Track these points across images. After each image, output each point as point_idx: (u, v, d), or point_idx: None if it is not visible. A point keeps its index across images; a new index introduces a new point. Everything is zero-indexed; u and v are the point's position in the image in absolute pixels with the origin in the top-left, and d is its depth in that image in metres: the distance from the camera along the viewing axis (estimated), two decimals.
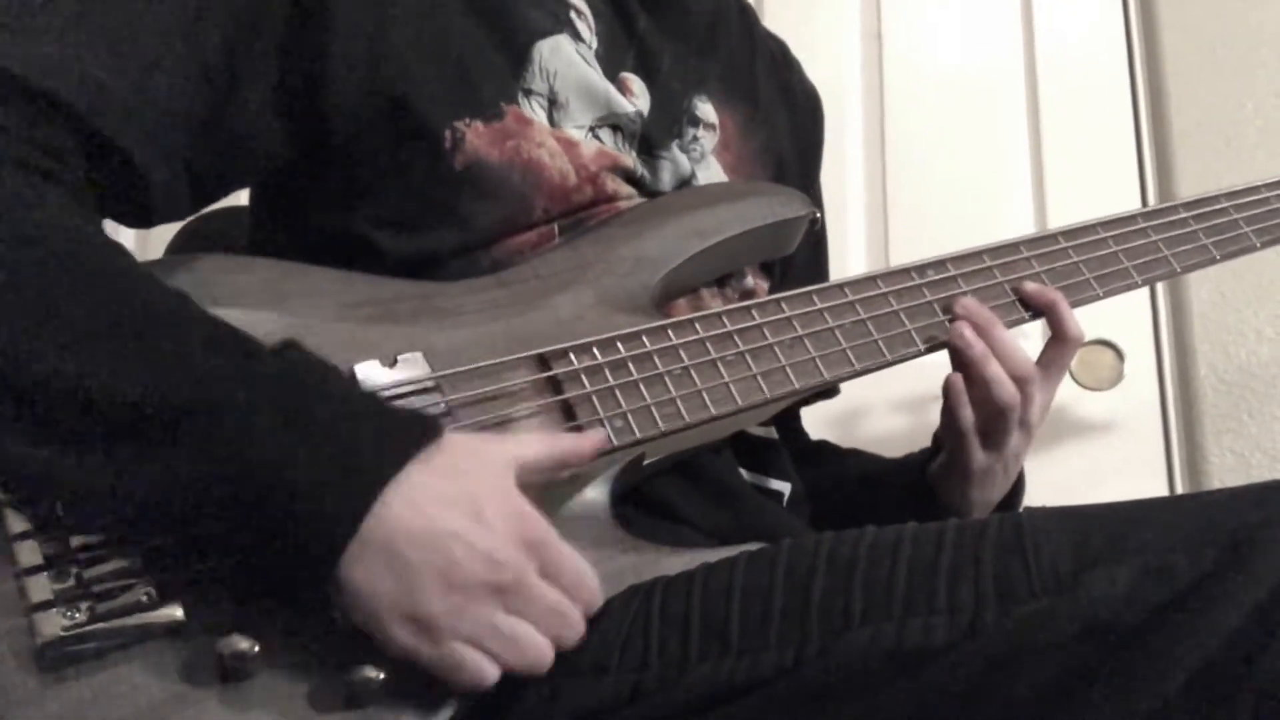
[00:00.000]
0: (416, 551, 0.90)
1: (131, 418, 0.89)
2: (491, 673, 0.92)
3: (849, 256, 2.26)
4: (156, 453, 0.89)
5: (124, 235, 1.75)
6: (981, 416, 1.32)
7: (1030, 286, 1.34)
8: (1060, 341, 1.34)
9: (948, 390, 1.33)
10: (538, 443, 1.04)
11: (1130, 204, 2.21)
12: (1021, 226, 2.23)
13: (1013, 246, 1.37)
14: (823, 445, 1.67)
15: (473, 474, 0.96)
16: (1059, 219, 2.13)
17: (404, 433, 0.95)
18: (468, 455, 0.97)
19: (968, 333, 1.28)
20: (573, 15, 1.32)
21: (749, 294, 1.37)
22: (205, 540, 0.92)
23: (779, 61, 1.64)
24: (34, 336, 0.90)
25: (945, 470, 1.39)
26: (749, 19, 1.61)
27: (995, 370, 1.28)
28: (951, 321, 1.29)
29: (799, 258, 1.47)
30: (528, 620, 0.94)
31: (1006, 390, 1.28)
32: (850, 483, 1.54)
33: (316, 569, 0.90)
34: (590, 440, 1.08)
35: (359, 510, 0.89)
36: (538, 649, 0.94)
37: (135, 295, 0.95)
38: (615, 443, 1.10)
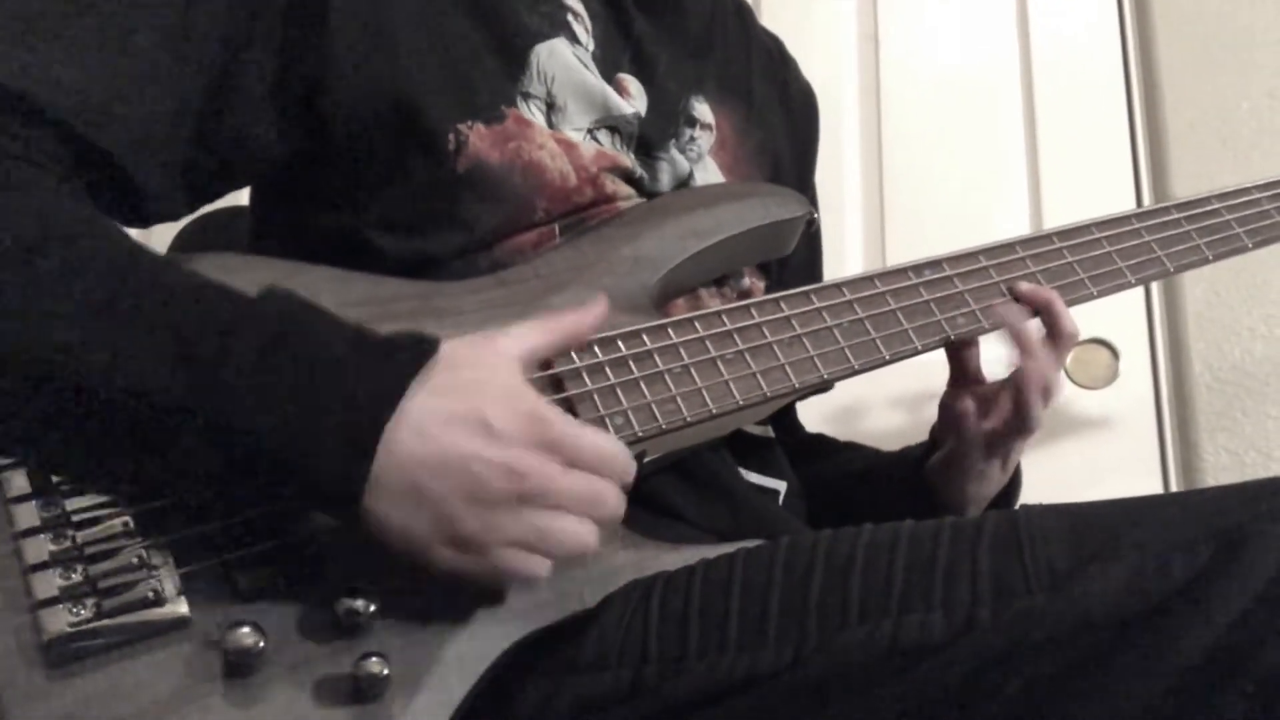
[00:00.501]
0: (438, 481, 0.91)
1: (126, 402, 0.89)
2: (541, 568, 0.94)
3: (846, 257, 2.26)
4: (159, 433, 0.90)
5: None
6: (995, 422, 1.33)
7: (1025, 286, 1.34)
8: (1056, 339, 1.34)
9: (956, 413, 1.35)
10: (537, 331, 1.05)
11: (1125, 204, 2.22)
12: (1017, 226, 2.24)
13: (1008, 246, 1.38)
14: (820, 439, 1.68)
15: (476, 385, 0.96)
16: (1054, 219, 2.13)
17: (398, 360, 0.95)
18: (468, 365, 0.97)
19: (1022, 320, 1.31)
20: (569, 18, 1.32)
21: (746, 294, 1.37)
22: (238, 504, 0.94)
23: (775, 59, 1.64)
24: (26, 319, 0.90)
25: (943, 467, 1.40)
26: (745, 18, 1.61)
27: (1038, 364, 1.31)
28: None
29: (794, 257, 1.47)
30: (564, 515, 0.95)
31: (1038, 419, 1.31)
32: (847, 477, 1.54)
33: (344, 517, 0.92)
34: (591, 313, 1.09)
35: (367, 453, 0.90)
36: (578, 535, 0.95)
37: (125, 271, 0.95)
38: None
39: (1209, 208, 1.51)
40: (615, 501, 0.98)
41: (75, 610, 0.89)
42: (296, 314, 0.96)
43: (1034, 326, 1.32)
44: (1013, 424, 1.33)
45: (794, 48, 1.70)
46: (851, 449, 1.65)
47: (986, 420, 1.34)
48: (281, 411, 0.89)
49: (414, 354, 0.95)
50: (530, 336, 1.03)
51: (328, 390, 0.91)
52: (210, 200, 1.21)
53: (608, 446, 0.99)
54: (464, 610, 0.97)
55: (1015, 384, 1.31)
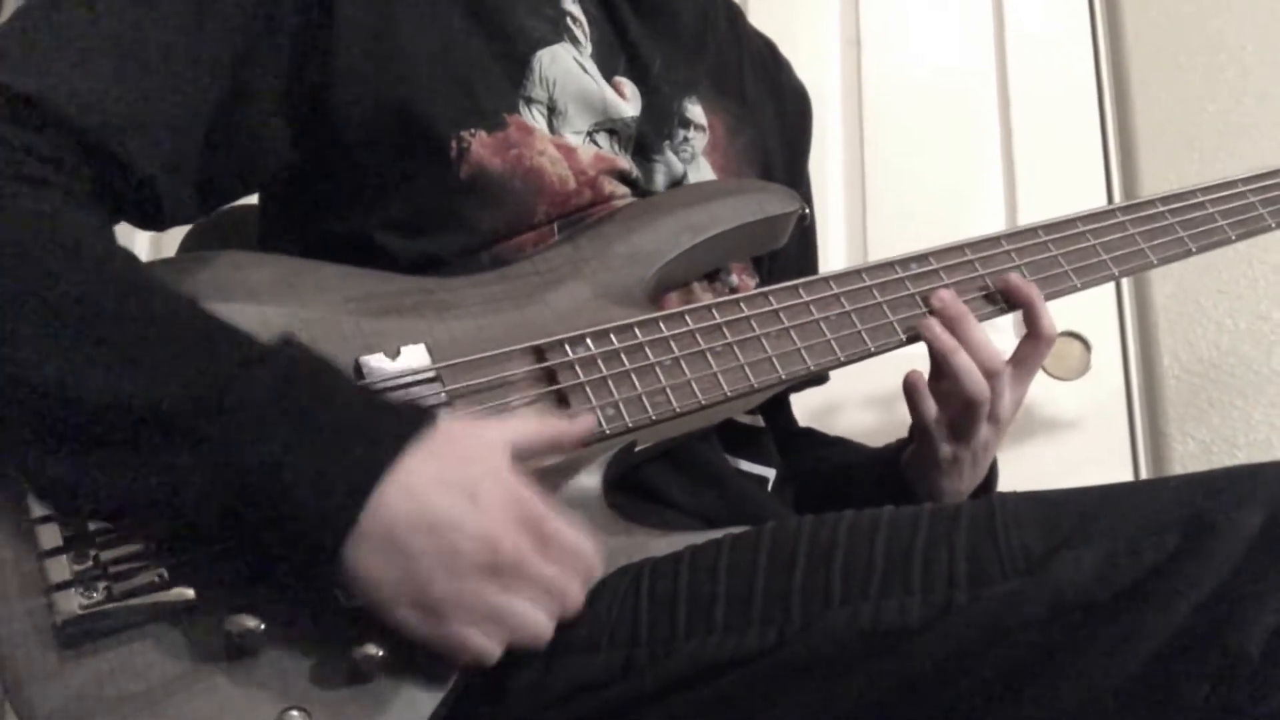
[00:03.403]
0: (416, 538, 0.90)
1: (136, 423, 0.89)
2: (493, 652, 0.92)
3: (830, 252, 2.25)
4: (162, 457, 0.89)
5: (139, 234, 1.75)
6: (949, 408, 1.31)
7: (1013, 280, 1.32)
8: (1034, 339, 1.32)
9: (907, 388, 1.33)
10: (531, 424, 1.04)
11: (1096, 201, 2.23)
12: (994, 224, 2.23)
13: (993, 240, 1.36)
14: (809, 433, 1.67)
15: (467, 458, 0.95)
16: (1029, 216, 2.14)
17: (398, 423, 0.94)
18: (462, 440, 0.96)
19: (937, 326, 1.27)
20: (569, 23, 1.32)
21: (736, 291, 1.36)
22: (215, 533, 0.92)
23: (767, 61, 1.64)
24: (41, 346, 0.90)
25: (915, 461, 1.38)
26: (737, 20, 1.61)
27: (964, 362, 1.27)
28: (928, 314, 1.29)
29: (789, 252, 1.46)
30: (527, 598, 0.93)
31: (975, 382, 1.27)
32: (830, 470, 1.53)
33: (320, 560, 0.90)
34: (580, 423, 1.07)
35: (357, 502, 0.89)
36: (537, 626, 0.94)
37: (139, 304, 0.95)
38: (607, 430, 1.10)
39: (1193, 200, 1.49)
40: (577, 601, 0.97)
41: (87, 594, 0.89)
42: (308, 365, 0.96)
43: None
44: (962, 409, 1.30)
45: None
46: (838, 444, 1.63)
47: (942, 406, 1.32)
48: (281, 451, 0.89)
49: (414, 420, 0.95)
50: (524, 428, 1.02)
51: (328, 440, 0.90)
52: (224, 204, 1.20)
53: (581, 541, 0.98)
54: None
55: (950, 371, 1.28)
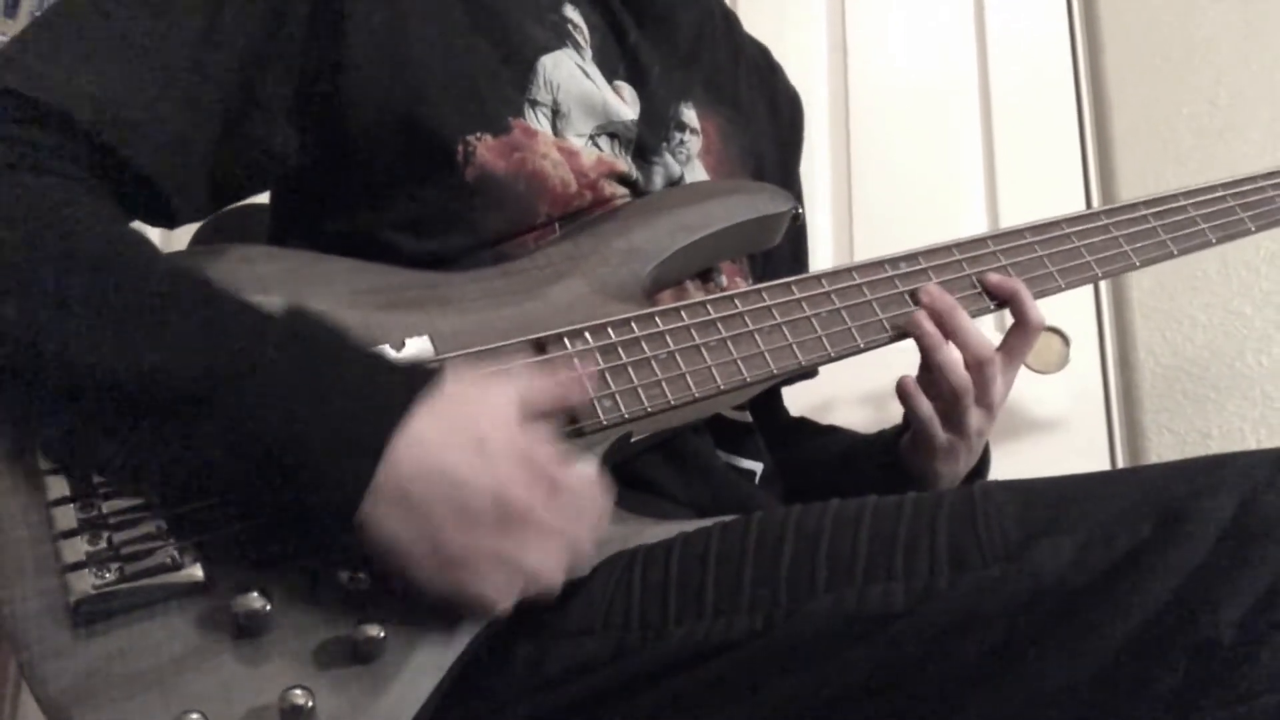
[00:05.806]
0: (429, 493, 0.90)
1: (150, 396, 0.88)
2: (505, 602, 0.92)
3: (816, 251, 2.22)
4: (176, 428, 0.88)
5: (148, 230, 1.74)
6: (939, 400, 1.31)
7: (993, 277, 1.33)
8: (1022, 328, 1.33)
9: (901, 392, 1.33)
10: (535, 379, 1.03)
11: (1075, 201, 2.23)
12: (975, 224, 2.24)
13: (980, 241, 1.36)
14: (802, 422, 1.67)
15: (475, 413, 0.94)
16: (1010, 216, 2.14)
17: (406, 383, 0.94)
18: (470, 396, 0.95)
19: (925, 322, 1.28)
20: (570, 29, 1.32)
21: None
22: (236, 499, 0.92)
23: (762, 67, 1.64)
24: (64, 322, 0.90)
25: (912, 447, 1.38)
26: (733, 27, 1.61)
27: (948, 356, 1.28)
28: (917, 308, 1.29)
29: (782, 250, 1.46)
30: (537, 548, 0.93)
31: (958, 375, 1.28)
32: (827, 459, 1.52)
33: (339, 521, 0.89)
34: (580, 372, 1.07)
35: (369, 463, 0.88)
36: (549, 574, 0.94)
37: (155, 279, 0.94)
38: (604, 421, 1.10)
39: (1175, 204, 1.48)
40: (587, 546, 0.97)
41: (100, 574, 0.89)
42: (316, 332, 0.95)
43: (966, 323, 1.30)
44: (951, 400, 1.31)
45: None
46: (831, 432, 1.63)
47: (931, 399, 1.33)
48: (294, 417, 0.88)
49: (421, 380, 0.94)
50: (527, 383, 1.01)
51: (339, 402, 0.90)
52: (234, 202, 1.20)
53: (590, 486, 0.97)
54: None
55: (936, 366, 1.30)
